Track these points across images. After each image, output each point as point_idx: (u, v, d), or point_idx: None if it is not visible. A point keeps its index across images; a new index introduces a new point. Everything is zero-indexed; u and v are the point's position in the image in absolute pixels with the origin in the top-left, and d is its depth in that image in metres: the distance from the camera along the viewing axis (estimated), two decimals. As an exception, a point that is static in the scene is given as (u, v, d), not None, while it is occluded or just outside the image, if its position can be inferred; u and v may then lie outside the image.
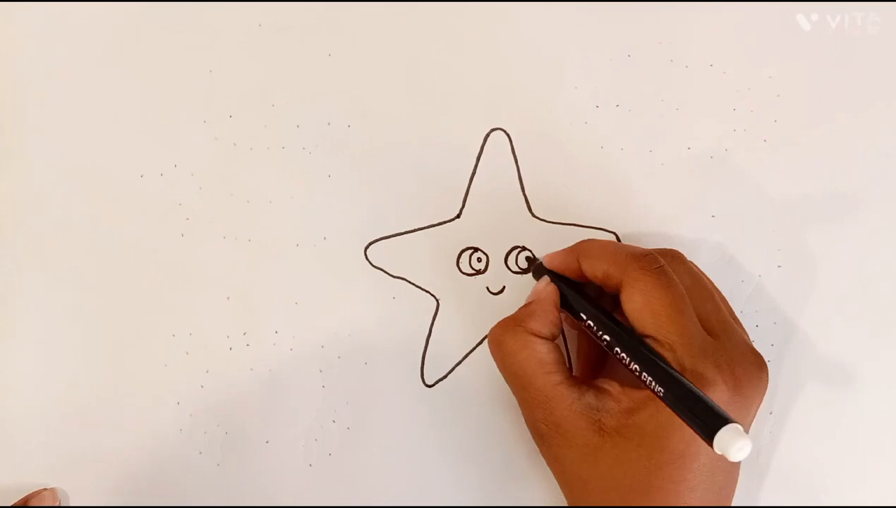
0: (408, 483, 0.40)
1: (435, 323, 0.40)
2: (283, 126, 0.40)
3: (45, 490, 0.39)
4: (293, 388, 0.40)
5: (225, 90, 0.40)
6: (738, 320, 0.37)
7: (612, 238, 0.40)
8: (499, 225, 0.40)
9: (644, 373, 0.32)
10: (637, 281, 0.34)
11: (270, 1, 0.40)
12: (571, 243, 0.38)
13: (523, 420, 0.37)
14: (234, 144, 0.40)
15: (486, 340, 0.39)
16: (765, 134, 0.41)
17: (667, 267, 0.35)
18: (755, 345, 0.36)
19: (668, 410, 0.31)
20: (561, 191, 0.40)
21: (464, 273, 0.40)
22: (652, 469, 0.33)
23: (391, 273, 0.40)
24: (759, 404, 0.35)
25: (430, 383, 0.40)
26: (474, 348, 0.40)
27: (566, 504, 0.37)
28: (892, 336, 0.40)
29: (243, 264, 0.40)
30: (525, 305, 0.37)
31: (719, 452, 0.28)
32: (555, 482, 0.37)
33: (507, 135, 0.40)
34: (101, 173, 0.40)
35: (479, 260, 0.40)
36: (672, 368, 0.32)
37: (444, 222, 0.40)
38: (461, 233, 0.40)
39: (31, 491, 0.39)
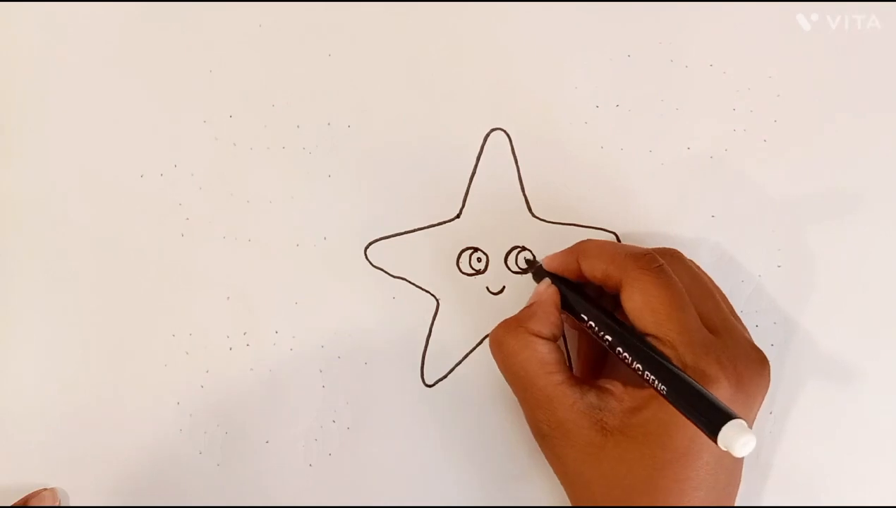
0: (408, 483, 0.40)
1: (435, 323, 0.40)
2: (283, 126, 0.40)
3: (45, 490, 0.39)
4: (293, 388, 0.40)
5: (225, 90, 0.40)
6: (738, 318, 0.37)
7: (612, 238, 0.40)
8: (499, 225, 0.40)
9: (646, 372, 0.32)
10: (636, 280, 0.34)
11: (270, 1, 0.40)
12: (571, 243, 0.38)
13: (524, 420, 0.37)
14: (234, 144, 0.40)
15: (487, 341, 0.39)
16: (765, 134, 0.41)
17: (666, 266, 0.35)
18: (755, 345, 0.36)
19: (671, 408, 0.31)
20: (561, 191, 0.40)
21: (464, 273, 0.40)
22: (655, 467, 0.33)
23: (391, 273, 0.40)
24: (762, 401, 0.35)
25: (430, 383, 0.40)
26: (474, 348, 0.40)
27: (567, 504, 0.37)
28: (892, 336, 0.40)
29: (243, 264, 0.40)
30: (526, 306, 0.37)
31: (723, 448, 0.28)
32: (555, 481, 0.37)
33: (507, 135, 0.40)
34: (101, 173, 0.40)
35: (479, 260, 0.40)
36: (674, 366, 0.32)
37: (444, 222, 0.40)
38: (461, 233, 0.40)
39: (31, 491, 0.39)
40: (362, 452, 0.40)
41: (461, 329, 0.40)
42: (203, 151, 0.40)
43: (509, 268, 0.40)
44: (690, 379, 0.31)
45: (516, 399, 0.37)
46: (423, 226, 0.40)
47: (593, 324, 0.35)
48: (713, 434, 0.29)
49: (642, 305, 0.34)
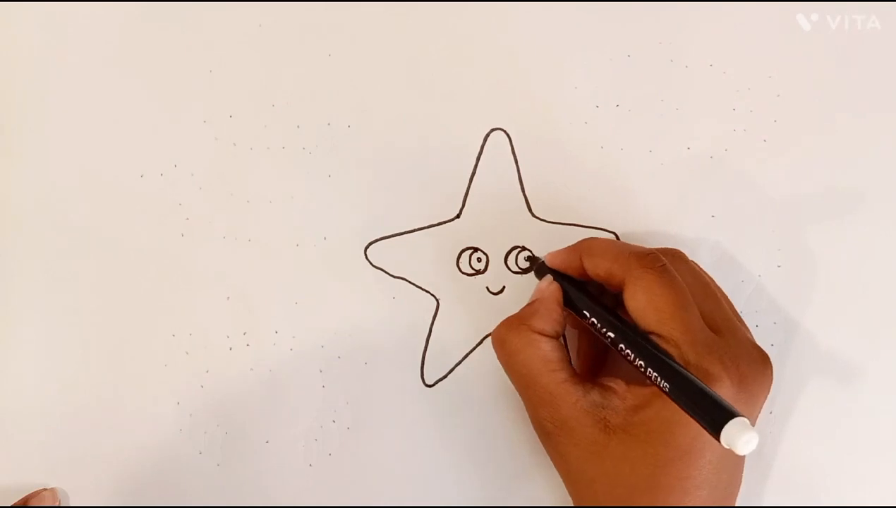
0: (408, 483, 0.40)
1: (435, 323, 0.40)
2: (283, 126, 0.40)
3: (45, 490, 0.39)
4: (293, 388, 0.40)
5: (225, 90, 0.40)
6: (740, 318, 0.37)
7: (612, 238, 0.40)
8: (499, 225, 0.40)
9: (649, 369, 0.32)
10: (640, 278, 0.34)
11: (270, 1, 0.40)
12: (571, 243, 0.38)
13: (524, 419, 0.37)
14: (234, 144, 0.40)
15: (489, 339, 0.39)
16: (765, 134, 0.41)
17: (669, 265, 0.35)
18: (755, 345, 0.36)
19: (674, 406, 0.31)
20: (561, 191, 0.40)
21: (464, 273, 0.40)
22: (658, 465, 0.33)
23: (391, 273, 0.40)
24: (764, 400, 0.35)
25: (430, 383, 0.40)
26: (474, 348, 0.40)
27: (568, 504, 0.37)
28: (893, 336, 0.40)
29: (243, 264, 0.40)
30: (528, 304, 0.37)
31: (726, 446, 0.28)
32: (556, 481, 0.37)
33: (507, 135, 0.40)
34: (101, 173, 0.40)
35: (479, 260, 0.40)
36: (677, 363, 0.32)
37: (444, 222, 0.40)
38: (461, 233, 0.40)
39: (31, 491, 0.39)
40: (362, 452, 0.40)
41: (461, 329, 0.40)
42: (203, 151, 0.40)
43: (509, 268, 0.40)
44: (694, 377, 0.31)
45: (517, 398, 0.37)
46: (423, 226, 0.40)
47: (596, 321, 0.35)
48: (716, 432, 0.29)
49: (646, 303, 0.34)
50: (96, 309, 0.40)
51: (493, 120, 0.40)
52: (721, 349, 0.34)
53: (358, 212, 0.40)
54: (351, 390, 0.40)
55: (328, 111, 0.40)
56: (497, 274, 0.40)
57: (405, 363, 0.40)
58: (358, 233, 0.40)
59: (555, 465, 0.36)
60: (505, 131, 0.40)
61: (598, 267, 0.36)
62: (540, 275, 0.38)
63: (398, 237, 0.40)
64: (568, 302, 0.37)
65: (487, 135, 0.40)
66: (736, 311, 0.38)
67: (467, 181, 0.40)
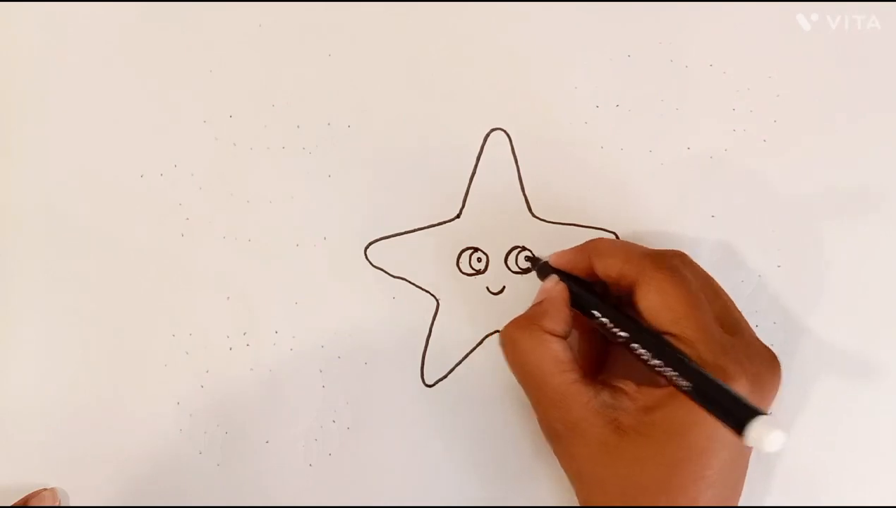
0: (408, 483, 0.40)
1: (435, 323, 0.40)
2: (283, 126, 0.40)
3: (45, 490, 0.39)
4: (293, 388, 0.40)
5: (225, 90, 0.40)
6: (745, 319, 0.37)
7: (612, 238, 0.40)
8: (499, 225, 0.40)
9: (667, 369, 0.32)
10: (653, 279, 0.34)
11: (270, 1, 0.40)
12: (571, 243, 0.37)
13: (524, 419, 0.37)
14: (234, 144, 0.40)
15: (489, 339, 0.39)
16: (765, 134, 0.41)
17: (680, 265, 0.35)
18: (757, 345, 0.36)
19: (687, 407, 0.31)
20: (561, 191, 0.40)
21: (464, 273, 0.40)
22: (671, 466, 0.33)
23: (391, 273, 0.40)
24: (773, 399, 0.35)
25: (430, 383, 0.40)
26: (474, 348, 0.40)
27: (568, 504, 0.37)
28: (893, 336, 0.40)
29: (243, 264, 0.40)
30: (536, 304, 0.37)
31: (751, 445, 0.28)
32: (556, 481, 0.37)
33: (507, 135, 0.40)
34: (101, 173, 0.40)
35: (479, 260, 0.40)
36: (696, 363, 0.32)
37: (444, 222, 0.40)
38: (461, 233, 0.40)
39: (31, 491, 0.39)
40: (362, 452, 0.40)
41: (461, 329, 0.40)
42: (203, 151, 0.40)
43: (509, 268, 0.40)
44: (714, 377, 0.31)
45: (517, 398, 0.37)
46: (423, 226, 0.40)
47: (607, 322, 0.35)
48: (739, 430, 0.29)
49: (660, 304, 0.34)
50: (96, 309, 0.40)
51: (493, 120, 0.40)
52: (736, 349, 0.34)
53: (358, 212, 0.40)
54: (351, 390, 0.40)
55: (328, 111, 0.40)
56: (497, 274, 0.40)
57: (405, 363, 0.40)
58: (358, 233, 0.40)
59: (564, 467, 0.36)
60: (505, 131, 0.40)
61: (609, 268, 0.36)
62: (542, 276, 0.38)
63: (398, 237, 0.40)
64: (574, 303, 0.36)
65: (487, 135, 0.40)
66: (740, 312, 0.38)
67: (467, 181, 0.40)
